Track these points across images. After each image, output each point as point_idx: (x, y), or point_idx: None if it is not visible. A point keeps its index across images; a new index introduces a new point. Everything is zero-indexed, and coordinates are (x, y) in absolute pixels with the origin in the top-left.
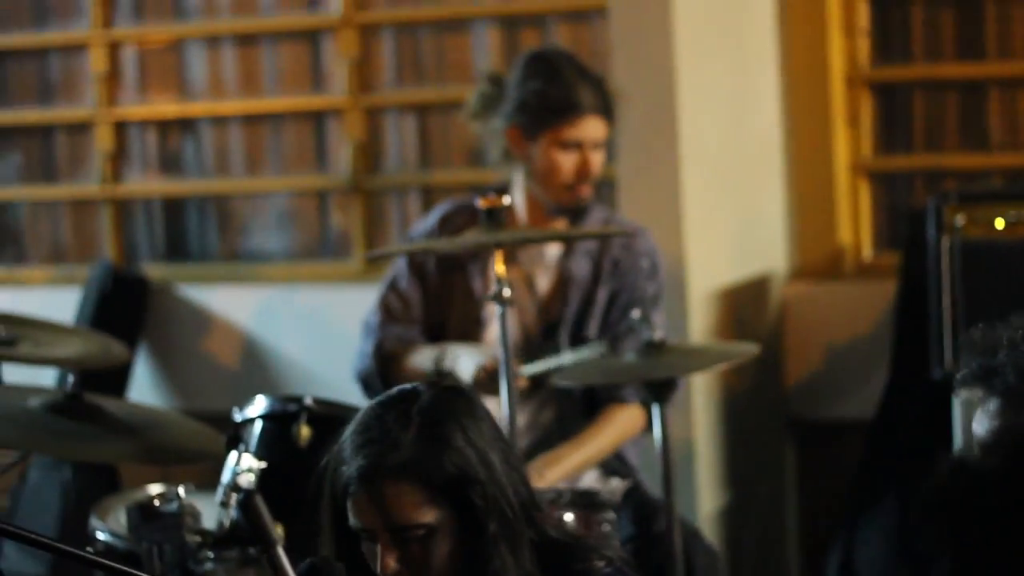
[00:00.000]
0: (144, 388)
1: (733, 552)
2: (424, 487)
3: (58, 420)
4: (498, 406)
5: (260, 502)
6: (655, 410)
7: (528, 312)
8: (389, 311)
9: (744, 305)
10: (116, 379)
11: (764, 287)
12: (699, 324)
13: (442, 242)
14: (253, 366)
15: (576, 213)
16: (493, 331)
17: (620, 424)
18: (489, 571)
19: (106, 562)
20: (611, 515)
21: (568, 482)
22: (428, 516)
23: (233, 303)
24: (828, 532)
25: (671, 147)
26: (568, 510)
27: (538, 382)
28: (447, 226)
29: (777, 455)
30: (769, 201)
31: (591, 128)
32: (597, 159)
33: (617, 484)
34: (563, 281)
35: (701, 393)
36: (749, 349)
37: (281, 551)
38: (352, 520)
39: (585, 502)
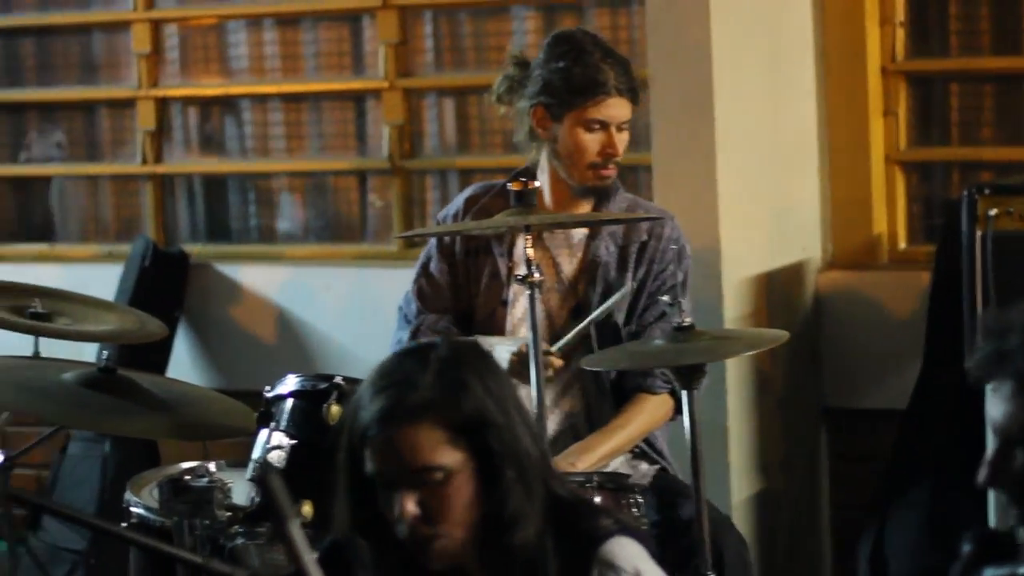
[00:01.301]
0: (183, 365)
1: (766, 539)
2: (443, 428)
3: (92, 395)
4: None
5: (277, 478)
6: (683, 395)
7: (554, 294)
8: (422, 297)
9: (779, 293)
10: (156, 355)
11: (799, 276)
12: (733, 312)
13: (473, 224)
14: (290, 345)
15: (600, 194)
16: (518, 312)
17: (649, 413)
18: (506, 516)
19: (137, 537)
20: (639, 497)
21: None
22: (446, 458)
23: (272, 282)
24: (861, 520)
25: (706, 134)
26: (597, 492)
27: (568, 362)
28: (472, 208)
29: (811, 443)
30: (805, 190)
31: (616, 108)
32: (622, 139)
33: (646, 468)
34: (589, 264)
35: (735, 380)
36: (779, 335)
37: (296, 528)
38: (370, 467)
39: (614, 484)
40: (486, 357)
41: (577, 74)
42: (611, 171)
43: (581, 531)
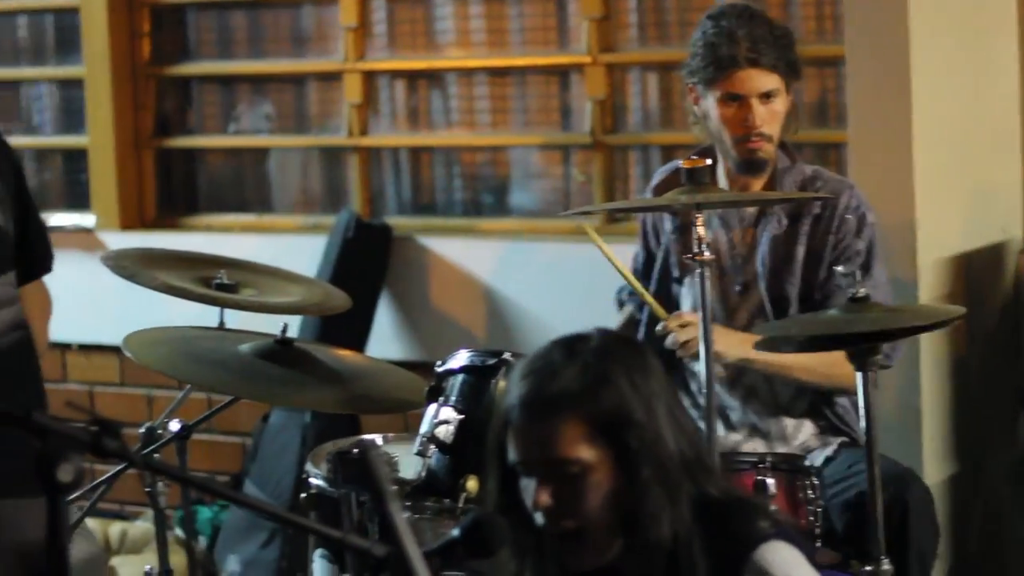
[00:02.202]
0: (385, 338)
1: (959, 523)
2: (581, 422)
3: (265, 366)
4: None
5: (376, 455)
6: (857, 367)
7: (726, 270)
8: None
9: (976, 274)
10: (358, 328)
11: (998, 257)
12: (929, 292)
13: (638, 202)
14: (491, 319)
15: (755, 167)
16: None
17: (832, 359)
18: (641, 516)
19: (266, 505)
20: (814, 479)
21: (784, 444)
22: (584, 452)
23: (474, 256)
24: None
25: (903, 112)
26: (770, 474)
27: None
28: (666, 187)
29: (1010, 427)
30: (1006, 170)
31: (750, 80)
32: (769, 110)
33: (833, 440)
34: (758, 238)
35: (929, 361)
36: (956, 310)
37: (395, 507)
38: (511, 454)
39: (788, 466)
40: (639, 352)
41: (708, 49)
42: (757, 143)
43: (734, 533)
